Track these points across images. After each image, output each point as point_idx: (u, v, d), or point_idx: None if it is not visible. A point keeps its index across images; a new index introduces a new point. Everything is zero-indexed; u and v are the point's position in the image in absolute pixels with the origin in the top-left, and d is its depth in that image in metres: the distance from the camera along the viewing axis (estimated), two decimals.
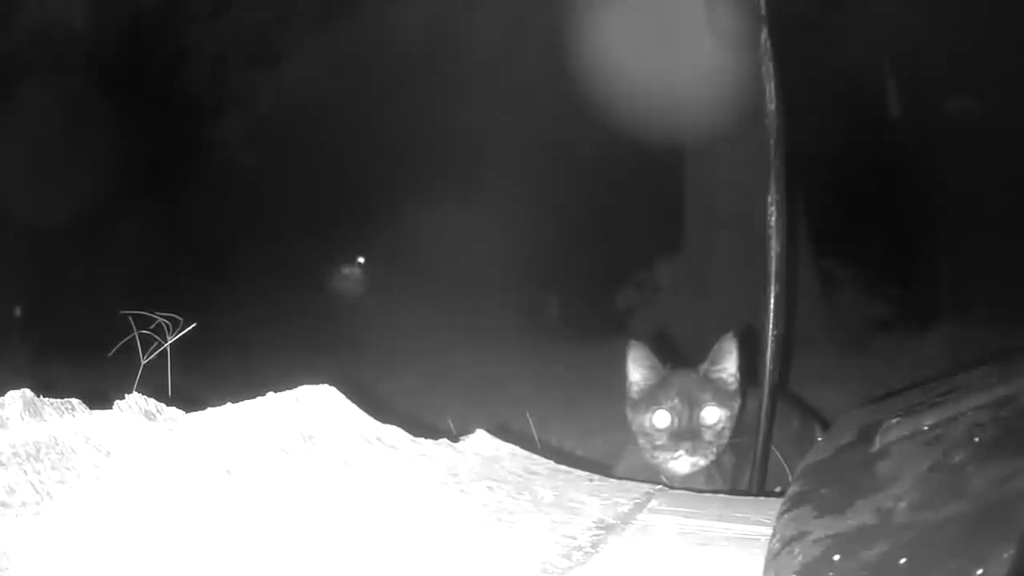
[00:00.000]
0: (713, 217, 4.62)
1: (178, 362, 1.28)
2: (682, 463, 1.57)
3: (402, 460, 0.96)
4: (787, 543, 0.69)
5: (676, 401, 1.57)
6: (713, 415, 1.57)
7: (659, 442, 1.58)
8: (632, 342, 1.65)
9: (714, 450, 1.57)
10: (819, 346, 4.01)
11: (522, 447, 1.09)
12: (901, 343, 4.44)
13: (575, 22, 4.76)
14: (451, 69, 6.53)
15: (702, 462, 1.57)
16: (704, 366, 1.61)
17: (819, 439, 1.38)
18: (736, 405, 1.59)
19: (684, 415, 1.57)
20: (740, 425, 1.60)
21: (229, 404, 0.94)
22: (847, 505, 0.72)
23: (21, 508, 0.73)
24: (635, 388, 1.64)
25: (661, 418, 1.58)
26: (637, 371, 1.64)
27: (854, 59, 5.44)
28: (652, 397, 1.60)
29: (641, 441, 1.62)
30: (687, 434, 1.56)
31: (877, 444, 0.84)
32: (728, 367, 1.60)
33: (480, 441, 1.06)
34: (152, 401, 0.90)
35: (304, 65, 6.85)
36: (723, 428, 1.58)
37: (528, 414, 2.04)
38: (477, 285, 6.65)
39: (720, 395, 1.58)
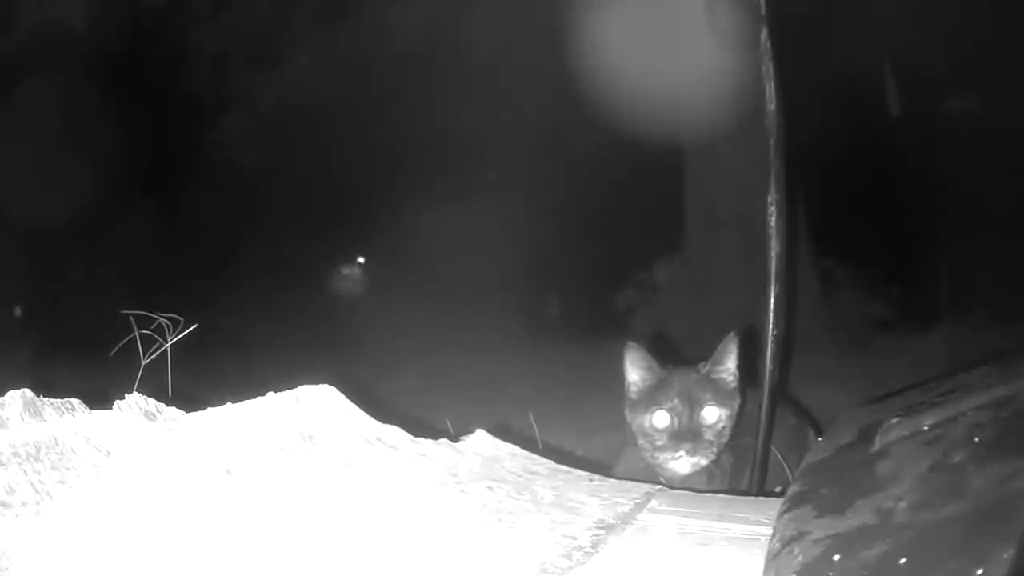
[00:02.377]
0: (713, 217, 4.62)
1: (178, 362, 1.28)
2: (683, 463, 1.56)
3: (402, 460, 0.96)
4: (787, 543, 0.69)
5: (676, 401, 1.57)
6: (713, 414, 1.57)
7: (659, 442, 1.58)
8: (629, 343, 1.65)
9: (715, 450, 1.57)
10: (819, 346, 4.00)
11: (523, 447, 1.09)
12: (901, 343, 4.44)
13: (575, 22, 4.76)
14: (451, 69, 6.52)
15: (703, 462, 1.57)
16: (706, 366, 1.61)
17: (817, 439, 1.38)
18: (736, 404, 1.59)
19: (684, 415, 1.56)
20: (738, 425, 1.60)
21: (229, 404, 0.93)
22: (847, 505, 0.72)
23: (21, 508, 0.72)
24: (633, 389, 1.64)
25: (661, 418, 1.58)
26: (635, 372, 1.64)
27: (854, 59, 5.43)
28: (651, 398, 1.60)
29: (641, 442, 1.61)
30: (688, 434, 1.56)
31: (877, 444, 0.84)
32: (729, 366, 1.60)
33: (480, 441, 1.06)
34: (152, 401, 0.90)
35: (304, 65, 6.85)
36: (723, 427, 1.57)
37: (531, 415, 2.04)
38: (477, 285, 6.64)
39: (720, 394, 1.58)
